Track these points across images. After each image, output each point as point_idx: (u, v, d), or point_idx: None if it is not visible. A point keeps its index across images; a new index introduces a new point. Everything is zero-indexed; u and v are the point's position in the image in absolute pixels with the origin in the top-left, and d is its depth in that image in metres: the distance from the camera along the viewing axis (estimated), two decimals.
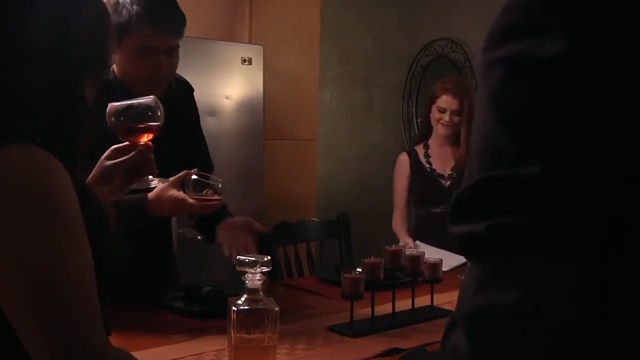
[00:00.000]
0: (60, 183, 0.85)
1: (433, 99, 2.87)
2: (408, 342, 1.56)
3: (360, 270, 1.69)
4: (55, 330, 0.81)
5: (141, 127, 1.43)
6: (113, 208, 1.15)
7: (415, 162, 2.91)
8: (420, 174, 2.89)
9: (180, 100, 1.96)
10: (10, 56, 0.89)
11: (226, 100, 3.21)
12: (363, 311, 1.68)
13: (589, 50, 0.72)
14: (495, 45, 0.78)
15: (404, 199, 2.94)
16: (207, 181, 1.69)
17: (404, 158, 2.96)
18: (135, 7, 1.70)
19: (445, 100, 2.82)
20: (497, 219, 0.75)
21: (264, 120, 3.36)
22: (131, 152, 1.39)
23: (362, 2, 4.43)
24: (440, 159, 2.90)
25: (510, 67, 0.76)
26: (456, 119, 2.82)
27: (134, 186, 1.46)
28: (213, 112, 3.14)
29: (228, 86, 3.22)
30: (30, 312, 0.82)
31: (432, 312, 1.79)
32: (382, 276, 1.70)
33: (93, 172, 1.35)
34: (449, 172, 2.86)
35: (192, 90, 2.05)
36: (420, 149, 2.95)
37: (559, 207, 0.73)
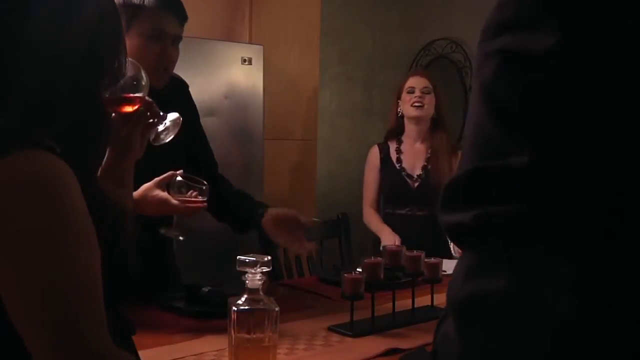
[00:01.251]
0: (69, 189, 0.85)
1: (400, 91, 2.86)
2: (408, 342, 1.56)
3: (360, 270, 1.69)
4: (59, 336, 0.81)
5: (131, 97, 1.38)
6: (132, 210, 1.13)
7: (385, 157, 2.87)
8: (388, 170, 2.84)
9: (177, 96, 1.99)
10: (10, 58, 0.89)
11: (226, 100, 3.21)
12: (363, 311, 1.68)
13: (582, 45, 0.73)
14: (489, 39, 0.80)
15: (375, 194, 2.89)
16: (192, 183, 1.69)
17: (375, 151, 2.93)
18: None
19: (413, 81, 2.83)
20: (485, 209, 0.77)
21: (263, 120, 3.36)
22: (127, 120, 1.36)
23: (362, 2, 4.43)
24: (412, 156, 2.83)
25: (503, 60, 0.77)
26: (426, 98, 2.78)
27: (155, 142, 1.44)
28: (213, 112, 3.14)
29: (228, 86, 3.22)
30: (35, 317, 0.82)
31: (432, 312, 1.78)
32: (382, 276, 1.70)
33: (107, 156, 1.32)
34: (418, 173, 2.81)
35: (187, 85, 2.09)
36: (392, 144, 2.90)
37: (546, 198, 0.74)
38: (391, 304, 1.74)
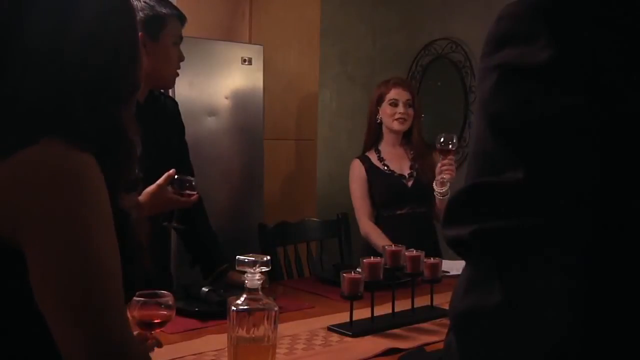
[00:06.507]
0: (94, 179, 0.87)
1: (380, 99, 2.78)
2: (408, 342, 1.56)
3: (360, 270, 1.69)
4: (83, 319, 0.83)
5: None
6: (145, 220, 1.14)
7: (370, 167, 2.78)
8: (379, 177, 2.76)
9: (171, 110, 2.16)
10: (12, 56, 0.89)
11: (226, 100, 3.21)
12: (363, 311, 1.68)
13: (575, 58, 0.74)
14: (490, 53, 0.81)
15: (368, 204, 2.76)
16: (186, 177, 1.90)
17: (357, 164, 2.82)
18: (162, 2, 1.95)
19: (396, 93, 2.76)
20: (481, 225, 0.78)
21: (263, 121, 3.35)
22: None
23: (362, 2, 4.43)
24: (396, 160, 2.78)
25: (501, 74, 0.78)
26: (409, 110, 2.74)
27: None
28: (213, 112, 3.14)
29: (228, 86, 3.22)
30: (61, 299, 0.83)
31: (432, 312, 1.79)
32: (382, 276, 1.70)
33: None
34: (409, 172, 2.75)
35: (177, 104, 2.22)
36: (372, 154, 2.82)
37: (540, 214, 0.74)
38: (391, 304, 1.74)
